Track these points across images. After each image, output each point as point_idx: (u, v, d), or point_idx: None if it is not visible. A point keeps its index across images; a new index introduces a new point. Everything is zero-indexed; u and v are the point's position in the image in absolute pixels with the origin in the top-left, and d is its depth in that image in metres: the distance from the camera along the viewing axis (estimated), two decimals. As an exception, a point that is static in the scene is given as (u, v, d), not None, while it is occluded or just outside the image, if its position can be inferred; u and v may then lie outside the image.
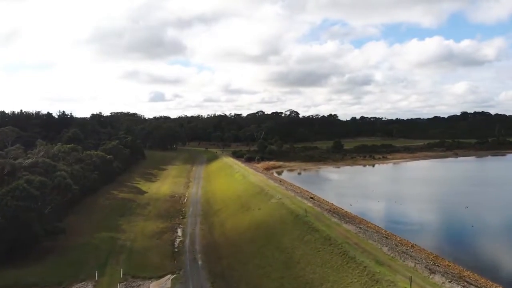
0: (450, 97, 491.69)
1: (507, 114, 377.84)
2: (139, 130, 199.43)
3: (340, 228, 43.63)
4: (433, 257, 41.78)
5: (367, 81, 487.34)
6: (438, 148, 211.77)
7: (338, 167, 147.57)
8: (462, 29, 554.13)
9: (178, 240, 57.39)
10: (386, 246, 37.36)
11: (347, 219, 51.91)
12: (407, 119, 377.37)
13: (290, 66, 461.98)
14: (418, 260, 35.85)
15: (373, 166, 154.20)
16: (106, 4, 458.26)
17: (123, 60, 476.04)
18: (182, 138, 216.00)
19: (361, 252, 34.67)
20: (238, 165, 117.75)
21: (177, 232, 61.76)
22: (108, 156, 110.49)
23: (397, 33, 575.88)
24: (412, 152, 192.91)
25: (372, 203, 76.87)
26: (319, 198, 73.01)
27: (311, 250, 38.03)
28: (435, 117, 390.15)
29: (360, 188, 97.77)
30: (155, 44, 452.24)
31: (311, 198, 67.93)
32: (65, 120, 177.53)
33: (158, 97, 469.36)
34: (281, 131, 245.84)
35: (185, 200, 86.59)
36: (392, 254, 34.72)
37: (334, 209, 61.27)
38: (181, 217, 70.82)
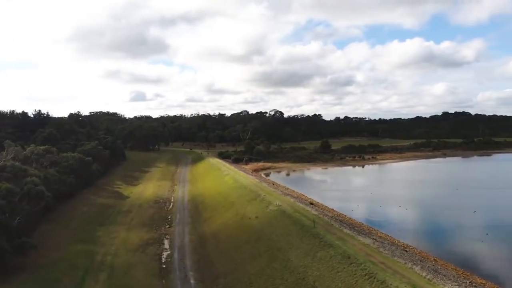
0: (429, 98, 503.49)
1: (487, 114, 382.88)
2: (120, 130, 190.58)
3: (356, 241, 37.96)
4: (463, 274, 36.48)
5: (349, 81, 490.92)
6: (425, 148, 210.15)
7: (328, 168, 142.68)
8: (443, 31, 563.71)
9: (165, 254, 50.81)
10: (417, 265, 31.82)
11: (356, 228, 46.35)
12: (391, 119, 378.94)
13: (274, 66, 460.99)
14: (456, 281, 30.46)
15: (363, 167, 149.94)
16: (87, 2, 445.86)
17: (105, 59, 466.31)
18: (165, 138, 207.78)
19: (392, 274, 28.99)
20: (226, 167, 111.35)
21: (163, 244, 55.13)
22: (87, 158, 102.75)
23: (379, 34, 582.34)
24: (400, 152, 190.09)
25: (374, 208, 71.66)
26: (318, 203, 67.33)
27: (328, 271, 32.19)
28: (417, 117, 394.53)
29: (357, 191, 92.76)
30: (138, 43, 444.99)
31: (311, 203, 62.26)
32: (41, 120, 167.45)
33: (139, 97, 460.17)
34: (267, 131, 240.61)
35: (170, 206, 79.83)
36: (428, 276, 29.14)
37: (337, 216, 55.71)
38: (168, 226, 64.13)
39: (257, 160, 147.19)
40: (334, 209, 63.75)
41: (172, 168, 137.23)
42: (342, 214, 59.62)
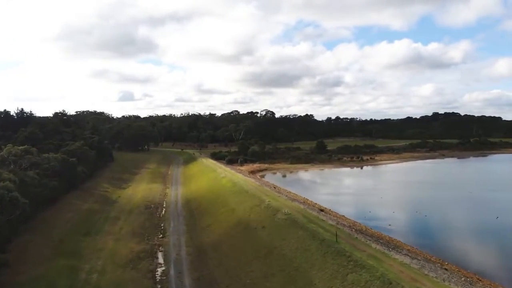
0: (417, 99, 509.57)
1: (475, 115, 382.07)
2: (107, 129, 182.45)
3: (391, 260, 31.90)
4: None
5: (337, 82, 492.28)
6: (421, 149, 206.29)
7: (327, 169, 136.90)
8: (431, 32, 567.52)
9: (159, 270, 44.11)
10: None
11: (382, 241, 40.36)
12: (382, 120, 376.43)
13: (263, 67, 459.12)
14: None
15: (361, 168, 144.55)
16: (75, 1, 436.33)
17: (92, 58, 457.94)
18: (154, 138, 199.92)
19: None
20: (222, 169, 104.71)
21: (157, 258, 48.42)
22: (71, 159, 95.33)
23: (368, 36, 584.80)
24: (397, 153, 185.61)
25: (388, 214, 65.39)
26: (328, 209, 61.20)
27: (367, 301, 26.04)
28: (408, 117, 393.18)
29: (365, 195, 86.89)
30: (126, 42, 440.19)
31: (321, 210, 56.19)
32: (24, 119, 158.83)
33: (127, 97, 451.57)
34: (260, 131, 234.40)
35: (163, 212, 73.02)
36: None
37: (354, 225, 49.73)
38: (161, 236, 57.39)
39: (252, 161, 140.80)
40: (347, 217, 57.67)
41: (163, 170, 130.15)
42: (358, 223, 53.53)
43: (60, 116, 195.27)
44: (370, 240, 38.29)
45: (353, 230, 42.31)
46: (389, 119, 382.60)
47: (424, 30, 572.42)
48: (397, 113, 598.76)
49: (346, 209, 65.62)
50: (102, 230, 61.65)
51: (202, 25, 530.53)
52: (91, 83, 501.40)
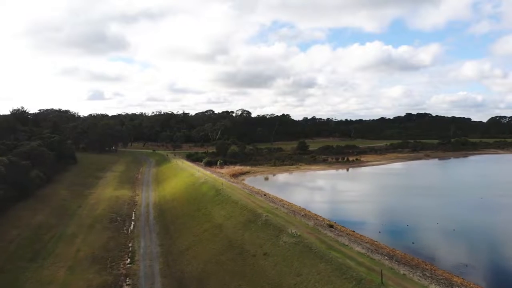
0: (386, 100, 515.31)
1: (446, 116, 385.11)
2: (71, 128, 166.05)
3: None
4: None
5: (310, 84, 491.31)
6: (403, 149, 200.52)
7: (314, 171, 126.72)
8: (402, 35, 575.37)
9: (126, 318, 32.27)
10: None
11: (428, 273, 29.74)
12: (357, 120, 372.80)
13: (238, 67, 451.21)
14: None
15: (347, 170, 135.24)
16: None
17: (61, 55, 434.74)
18: (123, 138, 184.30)
19: None
20: (201, 172, 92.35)
21: (124, 297, 36.47)
22: (23, 162, 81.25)
23: (341, 37, 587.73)
24: (381, 153, 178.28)
25: (403, 228, 54.68)
26: (337, 224, 50.21)
27: None
28: (381, 118, 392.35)
29: (365, 202, 76.60)
30: (97, 39, 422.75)
31: (330, 226, 45.31)
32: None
33: (97, 96, 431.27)
34: (237, 131, 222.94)
35: (131, 227, 60.44)
36: None
37: (378, 247, 39.05)
38: (128, 261, 45.05)
39: (233, 163, 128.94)
40: (363, 235, 46.86)
41: (132, 174, 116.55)
42: (383, 245, 42.59)
43: (18, 114, 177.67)
44: (413, 272, 27.64)
45: (393, 260, 31.61)
46: (361, 119, 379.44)
47: (396, 32, 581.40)
48: (367, 114, 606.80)
49: (354, 222, 55.07)
50: (53, 253, 48.79)
51: (176, 23, 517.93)
52: (59, 81, 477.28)
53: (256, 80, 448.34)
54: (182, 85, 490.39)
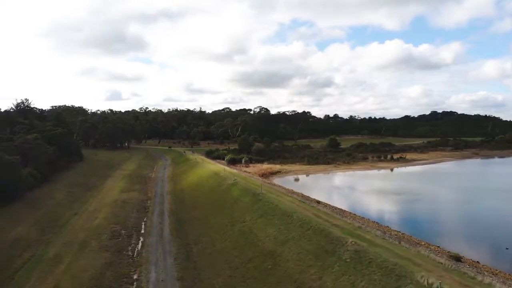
0: (404, 100, 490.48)
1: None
2: (80, 122, 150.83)
3: None
4: None
5: (328, 83, 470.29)
6: (443, 147, 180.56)
7: (358, 172, 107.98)
8: (423, 33, 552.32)
9: None
10: None
11: None
12: (380, 118, 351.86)
13: (255, 66, 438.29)
14: None
15: (391, 170, 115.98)
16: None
17: (80, 55, 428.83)
18: (137, 133, 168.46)
19: None
20: (228, 171, 74.87)
21: None
22: (12, 157, 65.62)
23: (361, 36, 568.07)
24: (422, 152, 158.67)
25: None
26: (471, 260, 32.11)
27: None
28: (406, 116, 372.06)
29: (459, 211, 58.17)
30: (116, 39, 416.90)
31: (457, 260, 27.43)
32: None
33: (115, 96, 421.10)
34: (258, 127, 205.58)
35: (139, 246, 43.45)
36: None
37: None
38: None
39: (259, 161, 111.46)
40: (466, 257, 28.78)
41: (145, 173, 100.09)
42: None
43: (22, 107, 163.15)
44: None
45: None
46: (384, 118, 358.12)
47: (417, 30, 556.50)
48: (384, 114, 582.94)
49: (477, 244, 36.86)
50: (32, 286, 32.26)
51: (194, 23, 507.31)
52: (77, 82, 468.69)
53: (272, 79, 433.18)
54: (199, 85, 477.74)
